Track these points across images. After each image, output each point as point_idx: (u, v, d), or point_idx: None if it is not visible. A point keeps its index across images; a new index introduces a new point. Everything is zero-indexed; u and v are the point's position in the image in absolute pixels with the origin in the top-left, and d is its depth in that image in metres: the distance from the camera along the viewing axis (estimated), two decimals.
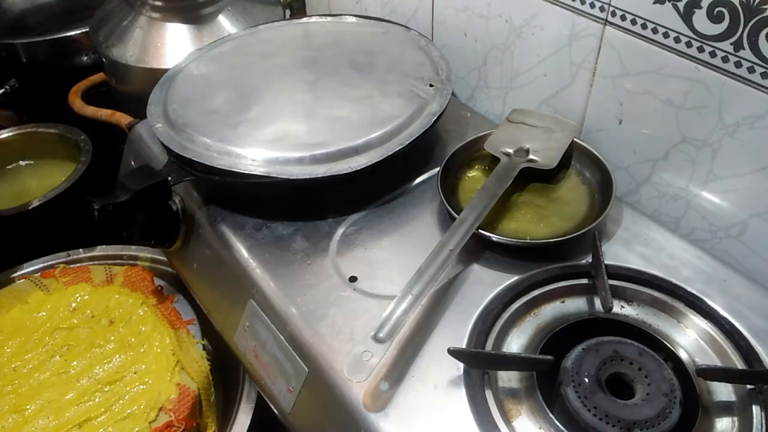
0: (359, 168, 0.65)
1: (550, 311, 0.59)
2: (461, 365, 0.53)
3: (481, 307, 0.58)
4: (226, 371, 0.78)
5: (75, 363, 0.75)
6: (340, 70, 0.78)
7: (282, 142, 0.67)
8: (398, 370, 0.54)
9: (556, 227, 0.65)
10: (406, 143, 0.67)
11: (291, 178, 0.64)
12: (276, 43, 0.86)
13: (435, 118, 0.71)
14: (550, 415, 0.50)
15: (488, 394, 0.52)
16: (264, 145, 0.67)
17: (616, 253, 0.63)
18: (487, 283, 0.61)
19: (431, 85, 0.75)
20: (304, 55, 0.83)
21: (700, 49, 0.59)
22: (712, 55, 0.58)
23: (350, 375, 0.49)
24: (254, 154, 0.66)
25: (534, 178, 0.70)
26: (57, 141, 1.10)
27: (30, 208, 0.96)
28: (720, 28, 0.57)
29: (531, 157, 0.69)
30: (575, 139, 0.72)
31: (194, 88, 0.77)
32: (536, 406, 0.51)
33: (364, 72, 0.78)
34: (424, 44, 0.83)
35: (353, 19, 0.90)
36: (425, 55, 0.80)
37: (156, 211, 0.72)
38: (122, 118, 0.97)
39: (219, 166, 0.65)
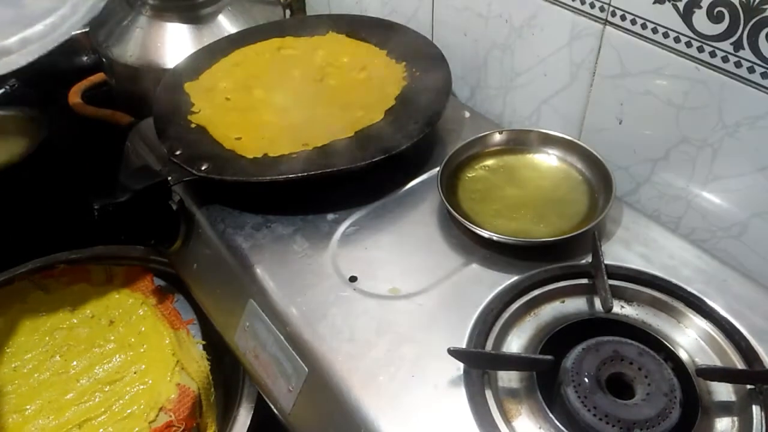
0: (16, 68, 0.57)
1: (550, 311, 0.59)
2: (461, 365, 0.53)
3: (481, 307, 0.58)
4: (226, 371, 0.78)
5: (75, 363, 0.75)
6: None
7: None
8: (398, 370, 0.54)
9: (556, 227, 0.65)
10: (72, 33, 0.59)
11: None
12: None
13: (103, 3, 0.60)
14: (550, 415, 0.50)
15: (488, 393, 0.52)
16: None
17: (616, 253, 0.63)
18: (487, 283, 0.61)
19: None
20: None
21: (700, 49, 0.59)
22: (712, 55, 0.58)
23: None
24: None
25: (534, 178, 0.70)
26: (8, 121, 1.05)
27: None
28: (720, 28, 0.57)
29: None
30: (575, 140, 0.72)
31: None
32: (536, 406, 0.51)
33: None
34: None
35: None
36: None
37: (156, 211, 0.72)
38: (122, 118, 0.97)
39: None
